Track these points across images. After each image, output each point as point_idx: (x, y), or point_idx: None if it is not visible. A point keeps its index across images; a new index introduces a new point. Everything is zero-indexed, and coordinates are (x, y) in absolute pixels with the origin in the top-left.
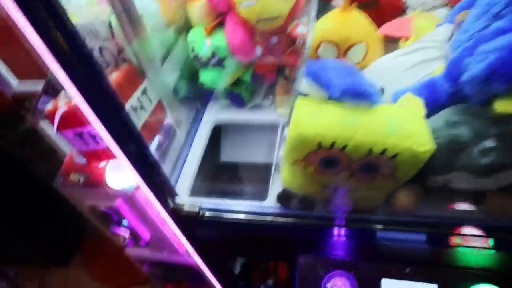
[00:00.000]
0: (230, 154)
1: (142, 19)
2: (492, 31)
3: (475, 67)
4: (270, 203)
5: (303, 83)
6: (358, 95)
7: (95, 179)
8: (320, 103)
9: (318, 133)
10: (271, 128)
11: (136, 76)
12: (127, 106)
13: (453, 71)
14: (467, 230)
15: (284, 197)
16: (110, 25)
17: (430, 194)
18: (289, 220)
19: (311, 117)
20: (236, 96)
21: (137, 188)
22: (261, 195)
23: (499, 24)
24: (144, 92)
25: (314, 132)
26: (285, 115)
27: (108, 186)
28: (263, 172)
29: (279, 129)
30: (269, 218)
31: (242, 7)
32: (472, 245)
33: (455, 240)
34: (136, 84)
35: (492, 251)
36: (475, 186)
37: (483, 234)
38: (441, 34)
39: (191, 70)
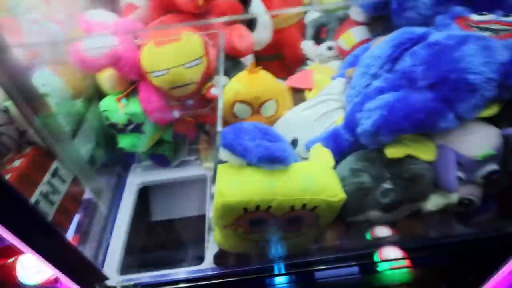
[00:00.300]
0: (160, 216)
1: (44, 97)
2: (373, 89)
3: (364, 122)
4: (208, 265)
5: (222, 153)
6: (273, 160)
7: (4, 278)
8: (240, 169)
9: (242, 200)
10: (200, 182)
11: (43, 158)
12: (36, 194)
13: (350, 123)
14: (389, 253)
15: (220, 257)
16: (6, 110)
17: (354, 227)
18: (229, 279)
19: (233, 185)
20: (160, 156)
21: (57, 279)
22: (198, 258)
23: (377, 83)
24: (55, 173)
25: (239, 200)
26: (211, 169)
27: (21, 283)
28: (197, 232)
29: (208, 183)
30: (209, 282)
31: (154, 76)
32: (396, 266)
33: (382, 265)
34: (44, 168)
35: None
36: (386, 219)
37: (403, 255)
38: (336, 87)
39: (107, 137)
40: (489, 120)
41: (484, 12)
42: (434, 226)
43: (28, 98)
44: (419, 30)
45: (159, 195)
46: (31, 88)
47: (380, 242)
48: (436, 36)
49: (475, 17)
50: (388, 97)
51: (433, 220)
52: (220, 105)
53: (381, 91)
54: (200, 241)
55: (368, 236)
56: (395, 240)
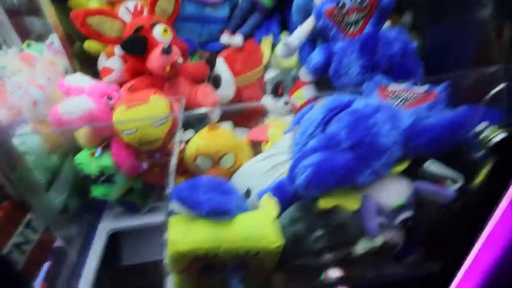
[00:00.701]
0: (130, 260)
1: (23, 155)
2: (309, 148)
3: (299, 178)
4: None
5: (175, 205)
6: (220, 213)
7: None
8: (190, 220)
9: (193, 249)
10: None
11: (18, 211)
12: (9, 245)
13: (291, 177)
14: None
15: None
16: None
17: (300, 270)
18: None
19: (184, 235)
20: (130, 203)
21: None
22: None
23: (312, 142)
24: (27, 225)
25: (189, 248)
26: None
27: None
28: (161, 275)
29: None
30: None
31: (124, 134)
32: None
33: None
34: (19, 220)
35: None
36: (323, 262)
37: None
38: (286, 141)
39: (80, 186)
40: (403, 174)
41: (399, 81)
42: (375, 267)
43: (7, 156)
44: (346, 98)
45: (129, 240)
46: (11, 147)
47: (329, 283)
48: (357, 104)
49: (392, 86)
50: (317, 156)
51: (374, 261)
52: (173, 168)
53: (315, 150)
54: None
55: (322, 276)
56: (342, 281)
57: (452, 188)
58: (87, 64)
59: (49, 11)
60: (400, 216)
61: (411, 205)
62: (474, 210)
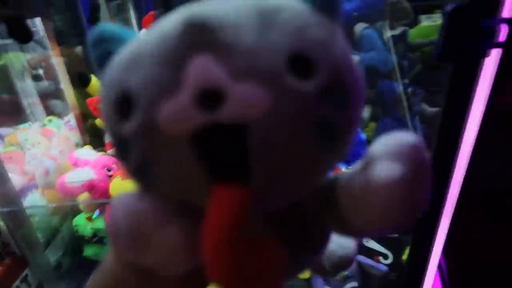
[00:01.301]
0: None
1: (29, 217)
2: None
3: None
4: None
5: None
6: None
7: None
8: None
9: None
10: None
11: (17, 267)
12: None
13: None
14: None
15: None
16: None
17: None
18: None
19: None
20: None
21: None
22: None
23: None
24: (24, 279)
25: None
26: None
27: None
28: None
29: None
30: None
31: None
32: None
33: None
34: (16, 275)
35: None
36: None
37: None
38: None
39: (74, 246)
40: None
41: (349, 167)
42: None
43: (16, 218)
44: None
45: None
46: (21, 212)
47: None
48: None
49: (343, 169)
50: None
51: None
52: None
53: None
54: None
55: None
56: None
57: (384, 263)
58: (97, 137)
59: (70, 95)
60: (346, 285)
61: (356, 276)
62: (408, 281)
